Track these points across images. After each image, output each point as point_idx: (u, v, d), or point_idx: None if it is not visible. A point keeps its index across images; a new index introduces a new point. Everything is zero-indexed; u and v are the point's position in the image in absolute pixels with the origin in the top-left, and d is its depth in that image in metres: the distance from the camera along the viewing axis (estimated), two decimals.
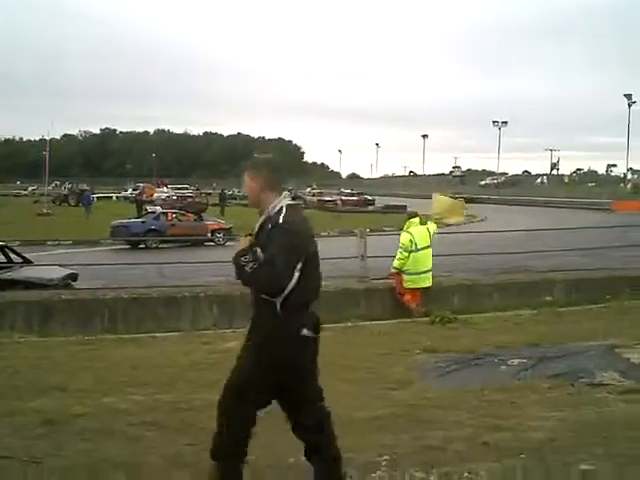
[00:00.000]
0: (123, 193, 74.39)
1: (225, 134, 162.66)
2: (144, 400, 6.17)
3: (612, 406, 5.93)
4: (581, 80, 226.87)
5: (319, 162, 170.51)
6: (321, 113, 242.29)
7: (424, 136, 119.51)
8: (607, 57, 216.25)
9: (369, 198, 64.63)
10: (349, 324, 10.04)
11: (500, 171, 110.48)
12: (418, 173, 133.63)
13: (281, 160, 4.30)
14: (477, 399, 6.22)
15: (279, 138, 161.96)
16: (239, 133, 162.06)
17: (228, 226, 29.52)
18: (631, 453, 4.71)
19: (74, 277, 13.15)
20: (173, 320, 10.58)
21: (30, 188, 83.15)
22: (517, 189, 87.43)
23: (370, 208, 57.15)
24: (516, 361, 7.52)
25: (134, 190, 65.40)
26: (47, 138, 57.54)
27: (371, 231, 17.84)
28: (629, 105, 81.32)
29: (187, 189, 69.99)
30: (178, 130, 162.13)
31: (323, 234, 30.36)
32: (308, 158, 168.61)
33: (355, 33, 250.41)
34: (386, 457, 3.84)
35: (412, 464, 3.91)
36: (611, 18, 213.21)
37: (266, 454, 4.56)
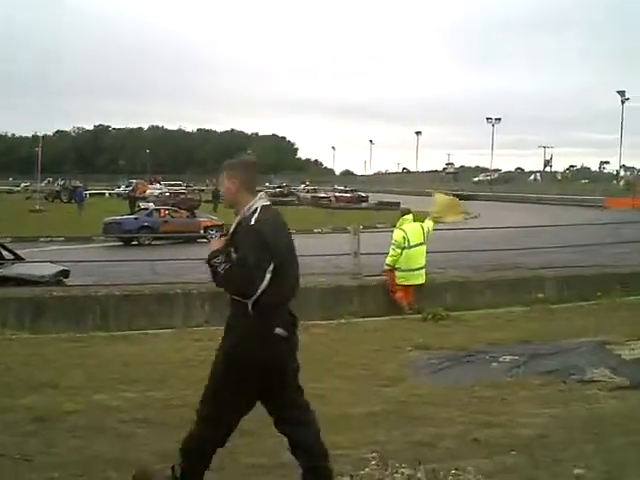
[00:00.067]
0: (116, 190, 74.25)
1: (219, 131, 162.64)
2: (135, 397, 6.18)
3: (603, 403, 5.96)
4: (574, 77, 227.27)
5: (313, 159, 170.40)
6: (315, 110, 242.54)
7: (417, 133, 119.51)
8: (601, 54, 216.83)
9: (362, 195, 64.65)
10: (342, 321, 10.06)
11: (493, 168, 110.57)
12: (411, 170, 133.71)
13: (255, 162, 4.30)
14: (468, 396, 6.24)
15: (273, 135, 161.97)
16: (233, 130, 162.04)
17: (221, 223, 29.49)
18: (621, 449, 4.74)
19: (66, 274, 13.12)
20: (165, 317, 10.57)
21: (23, 184, 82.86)
22: (510, 186, 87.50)
23: (363, 205, 57.10)
24: (508, 358, 7.55)
25: (127, 187, 65.31)
26: (40, 134, 57.40)
27: (364, 228, 17.87)
28: (622, 102, 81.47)
29: (180, 186, 69.91)
30: (172, 126, 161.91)
31: (316, 230, 30.49)
32: (302, 155, 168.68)
33: (348, 30, 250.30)
34: (375, 454, 3.86)
35: (402, 460, 3.93)
36: (605, 14, 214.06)
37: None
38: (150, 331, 9.56)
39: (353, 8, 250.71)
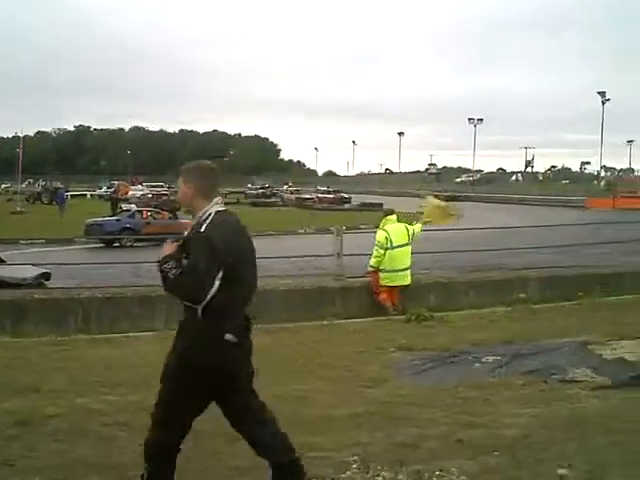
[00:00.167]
0: (98, 191, 73.81)
1: (201, 131, 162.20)
2: (117, 400, 6.14)
3: (584, 402, 6.00)
4: (555, 78, 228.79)
5: (295, 160, 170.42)
6: (298, 111, 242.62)
7: (400, 134, 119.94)
8: (581, 55, 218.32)
9: (345, 196, 64.64)
10: (325, 322, 10.06)
11: (476, 168, 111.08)
12: (394, 171, 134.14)
13: (214, 167, 4.29)
14: (451, 396, 6.26)
15: (255, 135, 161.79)
16: (215, 130, 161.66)
17: None
18: (603, 449, 4.77)
19: (47, 276, 13.03)
20: (147, 320, 10.51)
21: (3, 186, 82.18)
22: (492, 186, 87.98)
23: (346, 206, 57.09)
24: (490, 358, 7.58)
25: (109, 188, 64.92)
26: (20, 135, 56.98)
27: (347, 229, 17.88)
28: (603, 102, 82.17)
29: (162, 187, 69.62)
30: (154, 127, 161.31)
31: (300, 232, 30.49)
32: (284, 156, 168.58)
33: (331, 31, 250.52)
34: (357, 457, 3.86)
35: (385, 462, 3.94)
36: (585, 16, 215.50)
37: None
38: (132, 334, 9.52)
39: (335, 9, 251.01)
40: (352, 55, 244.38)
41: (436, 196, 15.13)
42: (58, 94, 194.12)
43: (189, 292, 3.73)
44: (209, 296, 3.68)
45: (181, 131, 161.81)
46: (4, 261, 13.33)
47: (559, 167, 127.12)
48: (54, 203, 48.55)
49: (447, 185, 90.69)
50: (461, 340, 8.57)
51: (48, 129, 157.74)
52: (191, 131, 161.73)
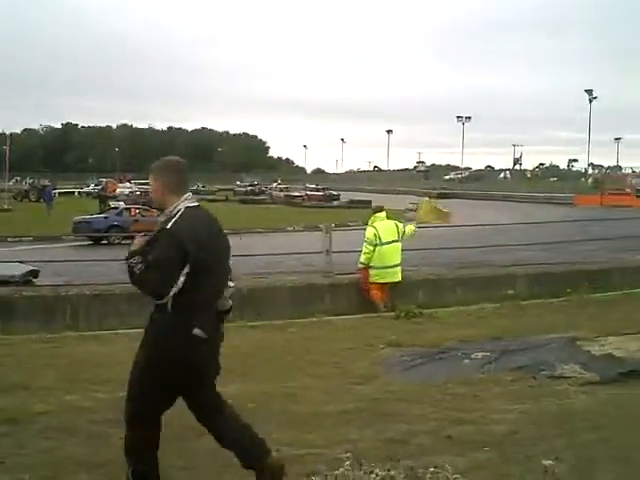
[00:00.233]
0: (85, 188, 73.52)
1: (189, 129, 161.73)
2: (107, 398, 6.11)
3: (573, 398, 6.03)
4: (544, 76, 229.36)
5: (284, 157, 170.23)
6: (286, 108, 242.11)
7: (389, 131, 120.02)
8: (570, 53, 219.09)
9: (334, 193, 64.63)
10: (314, 319, 10.07)
11: (464, 166, 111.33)
12: (383, 168, 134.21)
13: (182, 163, 4.30)
14: (441, 393, 6.28)
15: (244, 133, 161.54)
16: (203, 128, 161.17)
17: None
18: (592, 444, 4.80)
19: (35, 274, 12.97)
20: (136, 317, 10.43)
21: None
22: (480, 184, 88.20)
23: (335, 203, 57.12)
24: (479, 354, 7.60)
25: (96, 185, 64.71)
26: (7, 132, 56.67)
27: (336, 226, 17.88)
28: (590, 101, 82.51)
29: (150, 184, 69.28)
30: (142, 125, 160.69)
31: (289, 229, 30.48)
32: (273, 153, 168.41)
33: (319, 28, 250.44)
34: (349, 453, 3.87)
35: (375, 458, 3.95)
36: (573, 14, 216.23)
37: None
38: (121, 331, 9.48)
39: (324, 8, 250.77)
40: (341, 53, 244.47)
41: (429, 196, 15.23)
42: (44, 91, 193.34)
43: (153, 287, 3.76)
44: (175, 290, 3.70)
45: (170, 128, 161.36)
46: None
47: (547, 165, 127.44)
48: (42, 201, 48.28)
49: (435, 182, 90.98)
50: (450, 336, 8.59)
51: (35, 126, 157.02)
52: (180, 129, 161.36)
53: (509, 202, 56.65)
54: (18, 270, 12.74)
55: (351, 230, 21.30)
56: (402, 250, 11.67)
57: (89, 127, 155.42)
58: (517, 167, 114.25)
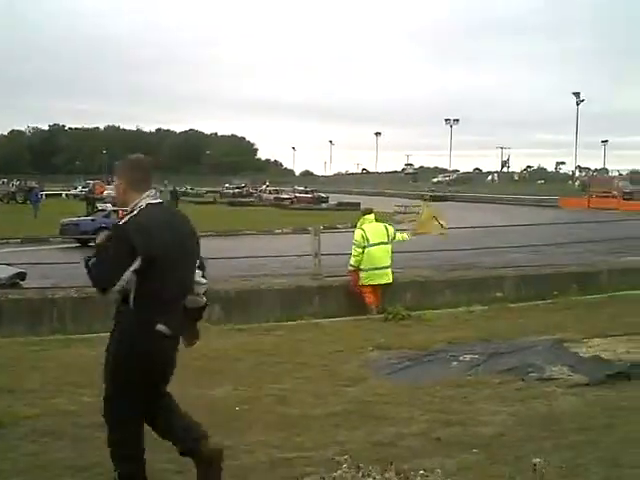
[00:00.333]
0: (73, 190, 73.19)
1: (178, 131, 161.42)
2: (93, 401, 6.04)
3: (561, 400, 6.05)
4: (532, 79, 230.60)
5: (272, 159, 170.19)
6: (275, 110, 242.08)
7: (377, 134, 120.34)
8: (557, 56, 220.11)
9: (323, 195, 64.68)
10: (303, 322, 10.04)
11: (452, 168, 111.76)
12: (371, 170, 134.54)
13: (144, 160, 4.32)
14: (429, 395, 6.28)
15: (232, 135, 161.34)
16: (191, 130, 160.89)
17: None
18: (579, 446, 4.81)
19: (22, 276, 12.89)
20: None
21: None
22: (468, 186, 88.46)
23: (324, 205, 57.12)
24: (468, 357, 7.61)
25: (84, 187, 64.42)
26: None
27: (325, 228, 17.89)
28: (577, 103, 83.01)
29: None
30: (130, 126, 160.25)
31: (277, 231, 30.46)
32: (261, 155, 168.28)
33: (307, 31, 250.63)
34: (340, 455, 3.87)
35: (365, 462, 3.93)
36: (563, 17, 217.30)
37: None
38: (108, 334, 9.42)
39: (312, 9, 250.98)
40: (330, 55, 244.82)
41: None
42: (31, 92, 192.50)
43: (95, 280, 3.81)
44: (122, 284, 3.71)
45: (158, 130, 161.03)
46: None
47: (535, 167, 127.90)
48: (29, 202, 48.06)
49: (424, 185, 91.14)
50: (438, 339, 8.59)
51: (22, 128, 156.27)
52: (168, 130, 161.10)
53: (497, 204, 56.91)
54: (5, 272, 12.67)
55: (340, 232, 21.31)
56: (392, 252, 11.62)
57: (76, 129, 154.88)
58: (505, 170, 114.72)
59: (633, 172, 68.25)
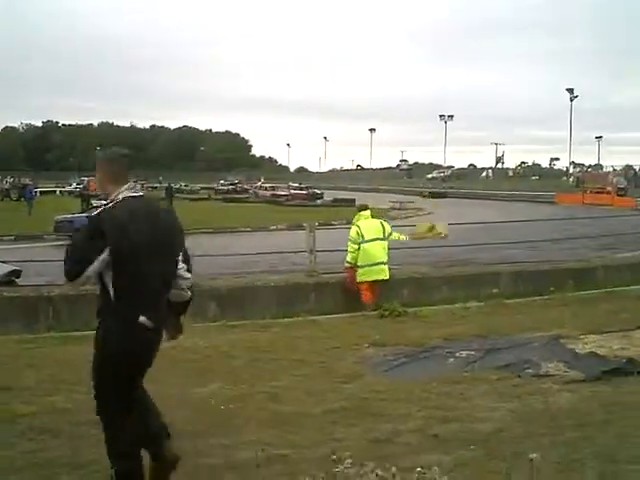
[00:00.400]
0: (67, 187, 73.00)
1: (172, 127, 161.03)
2: (89, 399, 6.00)
3: (557, 396, 6.05)
4: (526, 74, 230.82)
5: (267, 156, 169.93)
6: (269, 106, 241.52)
7: (371, 130, 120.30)
8: (552, 52, 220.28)
9: (317, 192, 64.56)
10: (299, 319, 10.03)
11: (447, 164, 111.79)
12: (365, 167, 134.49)
13: (122, 153, 4.37)
14: (426, 392, 6.28)
15: (226, 131, 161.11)
16: (186, 126, 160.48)
17: None
18: (576, 442, 4.81)
19: (17, 274, 12.82)
20: None
21: None
22: (463, 182, 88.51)
23: (318, 202, 56.97)
24: (464, 353, 7.62)
25: (78, 184, 64.23)
26: None
27: (320, 225, 17.86)
28: (571, 99, 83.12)
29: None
30: (124, 123, 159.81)
31: (272, 228, 30.44)
32: (256, 152, 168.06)
33: (301, 27, 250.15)
34: (339, 451, 3.86)
35: (362, 459, 3.93)
36: (557, 14, 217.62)
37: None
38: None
39: (306, 6, 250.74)
40: (324, 52, 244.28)
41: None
42: (25, 88, 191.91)
43: (65, 268, 3.84)
44: (86, 275, 3.78)
45: (152, 127, 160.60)
46: None
47: (529, 163, 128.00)
48: (23, 199, 47.91)
49: (418, 181, 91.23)
50: (435, 335, 8.60)
51: (16, 124, 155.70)
52: (162, 127, 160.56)
53: (492, 200, 56.92)
54: (0, 270, 12.62)
55: (335, 229, 21.31)
56: (389, 248, 11.60)
57: (70, 125, 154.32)
58: (499, 166, 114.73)
59: (627, 167, 68.19)
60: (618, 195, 51.29)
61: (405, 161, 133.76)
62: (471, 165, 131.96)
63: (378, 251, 11.35)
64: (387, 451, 4.62)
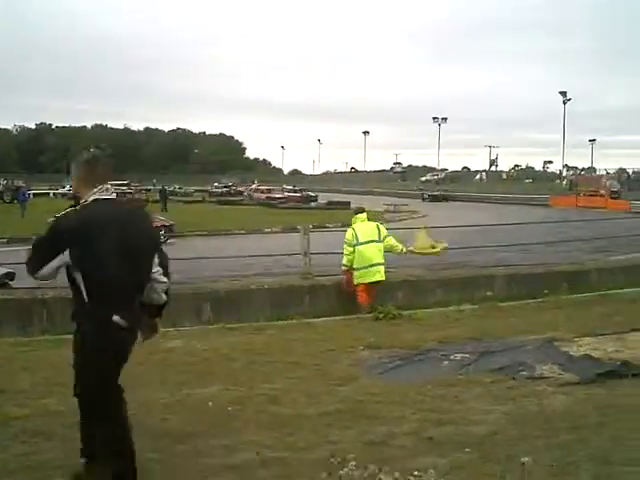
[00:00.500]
0: (61, 190, 72.81)
1: (166, 130, 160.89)
2: None
3: (551, 399, 6.06)
4: (520, 77, 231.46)
5: (261, 158, 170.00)
6: (263, 109, 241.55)
7: (365, 132, 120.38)
8: (546, 55, 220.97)
9: (312, 194, 64.58)
10: (294, 321, 10.03)
11: (441, 167, 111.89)
12: (359, 169, 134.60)
13: (95, 156, 4.42)
14: (421, 394, 6.28)
15: (220, 134, 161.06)
16: (180, 129, 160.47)
17: (169, 223, 29.02)
18: (570, 444, 4.82)
19: (11, 276, 12.77)
20: None
21: None
22: (457, 185, 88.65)
23: (313, 204, 56.98)
24: (459, 356, 7.62)
25: (72, 186, 64.02)
26: None
27: (314, 227, 17.86)
28: (564, 102, 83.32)
29: (127, 185, 68.89)
30: (117, 125, 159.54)
31: (266, 230, 30.41)
32: (250, 154, 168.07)
33: (295, 30, 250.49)
34: (336, 454, 3.86)
35: (358, 461, 3.93)
36: (551, 16, 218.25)
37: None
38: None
39: (300, 8, 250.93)
40: (318, 55, 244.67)
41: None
42: (18, 90, 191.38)
43: (27, 266, 3.97)
44: (41, 273, 3.87)
45: (146, 129, 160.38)
46: None
47: (523, 166, 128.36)
48: (16, 202, 47.79)
49: (412, 183, 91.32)
50: (429, 338, 8.60)
51: (9, 126, 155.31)
52: (156, 129, 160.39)
53: (486, 203, 57.03)
54: None
55: (330, 232, 21.30)
56: (385, 251, 11.59)
57: (64, 127, 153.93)
58: (493, 168, 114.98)
59: (621, 170, 68.39)
60: (611, 198, 51.47)
61: (399, 164, 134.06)
62: (465, 168, 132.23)
63: (373, 253, 11.36)
64: (382, 454, 4.61)
